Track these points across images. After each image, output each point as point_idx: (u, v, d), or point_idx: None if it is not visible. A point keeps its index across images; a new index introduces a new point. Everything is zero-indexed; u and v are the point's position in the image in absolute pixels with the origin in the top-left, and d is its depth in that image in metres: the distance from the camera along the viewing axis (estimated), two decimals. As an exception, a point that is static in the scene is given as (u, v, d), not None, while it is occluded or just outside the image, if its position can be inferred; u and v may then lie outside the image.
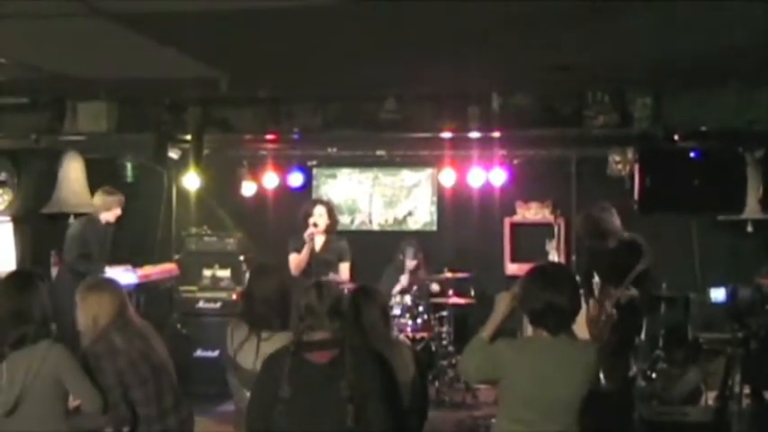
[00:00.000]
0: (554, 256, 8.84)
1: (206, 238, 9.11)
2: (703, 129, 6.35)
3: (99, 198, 8.10)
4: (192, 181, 8.34)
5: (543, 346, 3.59)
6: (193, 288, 8.73)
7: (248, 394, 3.84)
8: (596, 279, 7.04)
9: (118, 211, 8.15)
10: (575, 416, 3.56)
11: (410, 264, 8.87)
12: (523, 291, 3.60)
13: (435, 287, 9.05)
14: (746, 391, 6.02)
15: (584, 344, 4.00)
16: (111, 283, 4.60)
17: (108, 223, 8.13)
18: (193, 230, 9.32)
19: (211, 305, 8.58)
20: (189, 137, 6.97)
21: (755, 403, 6.05)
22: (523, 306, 3.61)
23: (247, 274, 8.28)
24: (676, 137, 6.56)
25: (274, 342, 3.98)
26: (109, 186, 8.21)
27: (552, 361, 3.53)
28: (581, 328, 6.60)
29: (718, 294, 7.01)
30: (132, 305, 4.67)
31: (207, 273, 8.85)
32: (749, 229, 8.13)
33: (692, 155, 6.63)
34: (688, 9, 3.85)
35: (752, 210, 7.19)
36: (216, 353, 7.98)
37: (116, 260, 8.06)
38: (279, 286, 4.30)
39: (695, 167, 6.57)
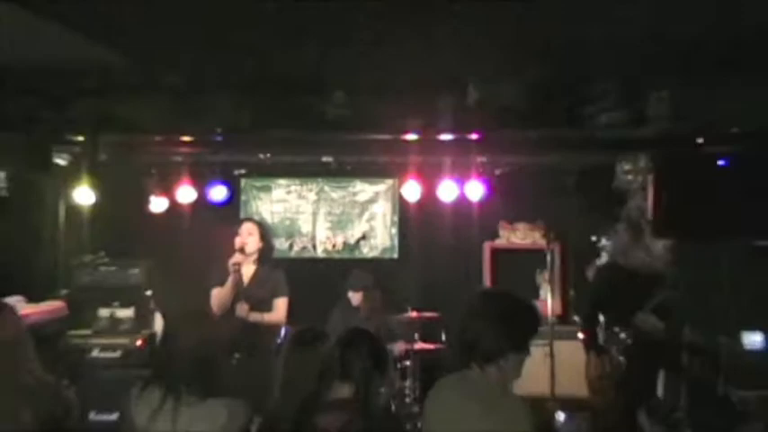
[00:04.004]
0: (546, 291, 8.85)
1: (102, 269, 8.88)
2: (735, 130, 6.44)
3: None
4: (84, 195, 8.30)
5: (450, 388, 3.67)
6: (86, 332, 8.49)
7: None
8: (602, 319, 7.02)
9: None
10: None
11: (355, 298, 8.76)
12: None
13: (396, 330, 8.87)
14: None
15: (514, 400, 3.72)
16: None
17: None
18: (86, 258, 9.05)
19: (109, 354, 8.36)
20: (80, 138, 6.95)
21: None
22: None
23: (157, 316, 8.50)
24: (701, 140, 6.65)
25: (200, 413, 3.89)
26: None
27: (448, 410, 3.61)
28: (575, 384, 7.15)
29: (753, 339, 6.92)
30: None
31: (103, 313, 8.65)
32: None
33: (720, 163, 6.67)
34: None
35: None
36: (114, 416, 7.71)
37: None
38: (207, 338, 4.13)
39: (726, 179, 6.62)
